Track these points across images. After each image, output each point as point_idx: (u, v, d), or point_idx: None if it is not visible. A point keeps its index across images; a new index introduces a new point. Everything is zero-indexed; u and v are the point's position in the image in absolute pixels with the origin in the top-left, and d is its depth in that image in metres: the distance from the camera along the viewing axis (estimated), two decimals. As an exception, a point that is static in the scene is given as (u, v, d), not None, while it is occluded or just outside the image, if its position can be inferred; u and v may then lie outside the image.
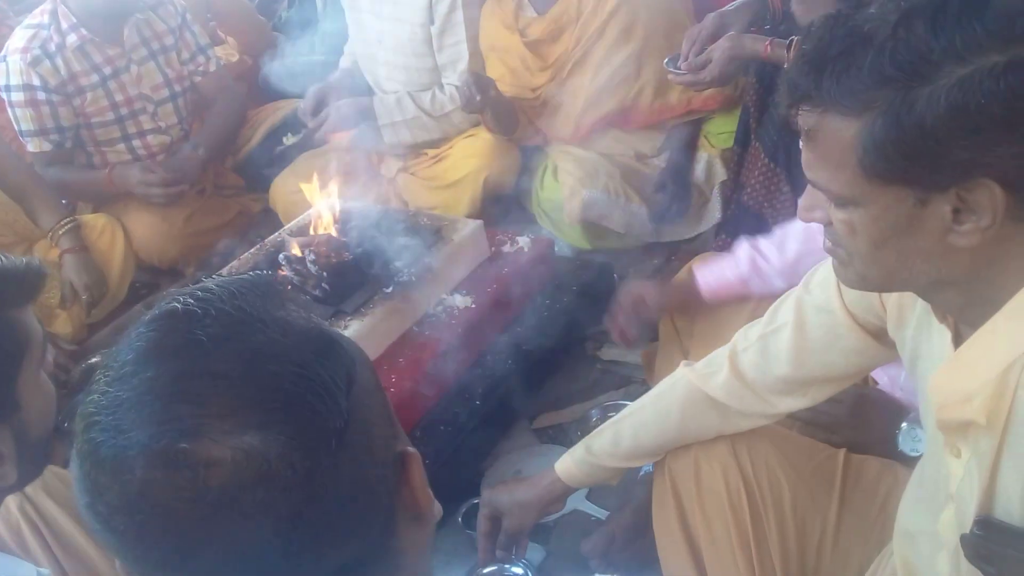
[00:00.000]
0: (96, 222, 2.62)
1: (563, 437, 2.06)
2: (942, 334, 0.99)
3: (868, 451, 1.47)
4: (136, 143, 2.76)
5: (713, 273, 1.78)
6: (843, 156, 0.84)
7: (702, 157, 2.57)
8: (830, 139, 0.85)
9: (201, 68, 2.86)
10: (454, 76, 2.67)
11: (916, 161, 0.81)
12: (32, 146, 2.61)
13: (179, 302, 0.62)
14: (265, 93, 3.14)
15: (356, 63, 2.90)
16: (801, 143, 0.91)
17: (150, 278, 2.86)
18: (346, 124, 2.70)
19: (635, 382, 2.16)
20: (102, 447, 0.57)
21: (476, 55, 2.67)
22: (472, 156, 2.64)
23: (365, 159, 2.81)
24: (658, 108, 2.56)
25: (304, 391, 0.58)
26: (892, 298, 1.12)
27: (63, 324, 2.44)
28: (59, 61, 2.56)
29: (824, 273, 1.24)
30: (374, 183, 2.79)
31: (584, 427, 2.03)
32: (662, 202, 2.53)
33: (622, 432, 1.47)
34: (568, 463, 1.52)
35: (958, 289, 0.91)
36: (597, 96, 2.56)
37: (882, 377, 1.63)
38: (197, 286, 0.64)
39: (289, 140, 2.71)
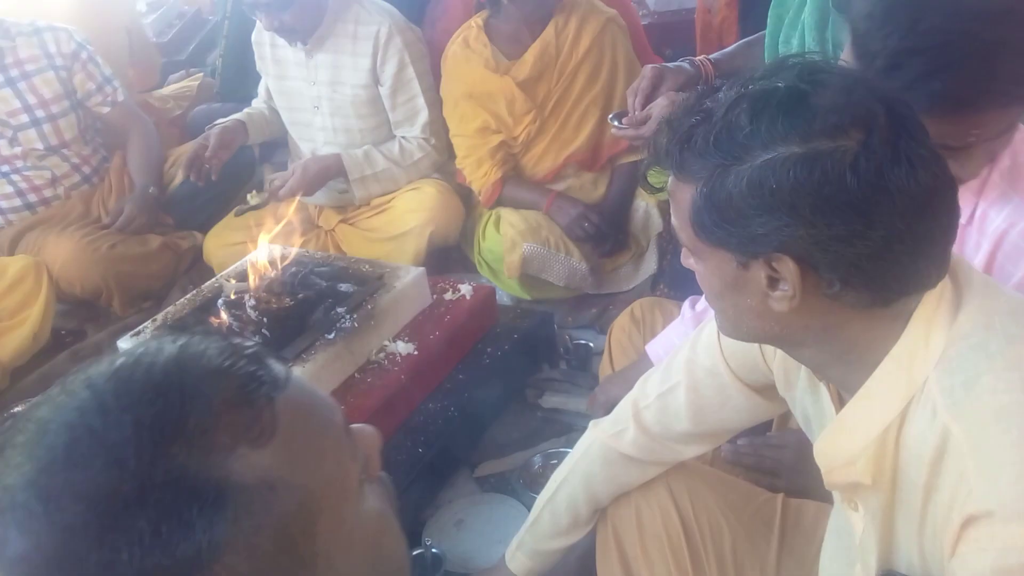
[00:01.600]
0: (10, 268, 2.56)
1: (505, 485, 2.06)
2: (826, 394, 1.05)
3: (810, 494, 1.50)
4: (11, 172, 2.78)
5: (663, 346, 1.83)
6: (684, 216, 0.93)
7: (640, 205, 2.63)
8: (676, 199, 0.95)
9: (109, 99, 2.86)
10: (413, 130, 2.71)
11: (727, 230, 0.89)
12: None
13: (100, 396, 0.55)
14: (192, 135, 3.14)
15: (270, 109, 2.92)
16: None
17: (75, 324, 2.79)
18: (314, 183, 2.67)
19: (576, 429, 2.17)
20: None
21: (435, 105, 2.70)
22: (417, 210, 2.65)
23: (303, 210, 2.80)
24: (611, 144, 2.64)
25: None
26: (777, 359, 1.18)
27: None
28: None
29: (707, 336, 1.30)
30: (312, 235, 2.78)
31: (526, 475, 2.03)
32: (597, 239, 2.58)
33: (558, 510, 1.50)
34: (521, 559, 1.56)
35: (806, 349, 0.98)
36: (574, 132, 2.62)
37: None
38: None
39: (253, 199, 2.65)
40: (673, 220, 0.98)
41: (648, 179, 1.07)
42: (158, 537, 0.50)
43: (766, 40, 2.10)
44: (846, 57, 1.20)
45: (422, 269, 2.22)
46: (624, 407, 1.43)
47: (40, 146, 2.77)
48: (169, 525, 0.50)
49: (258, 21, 2.64)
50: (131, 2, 3.50)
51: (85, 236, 2.73)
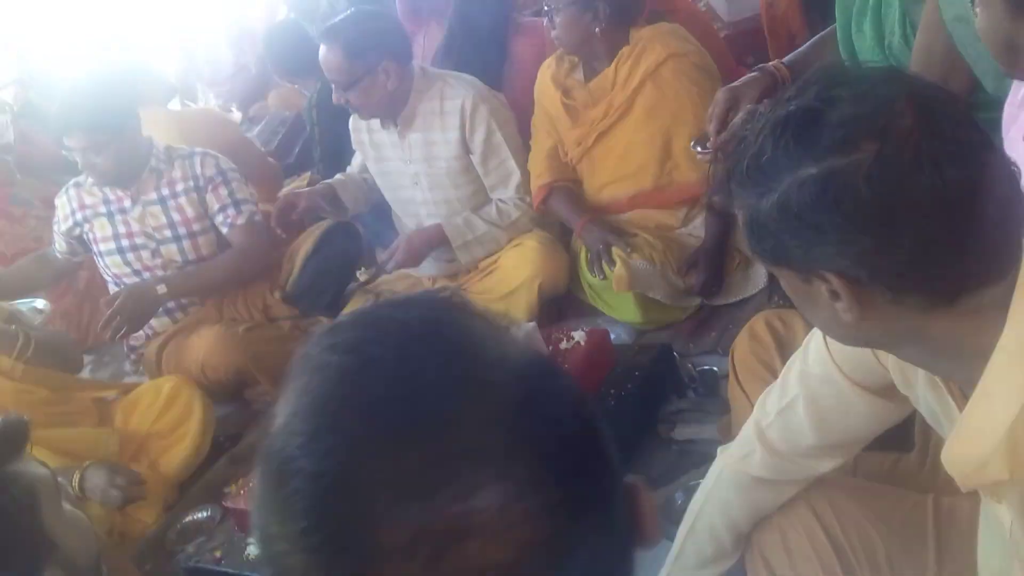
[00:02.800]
0: (163, 387, 2.69)
1: (651, 526, 2.03)
2: (946, 392, 1.01)
3: None
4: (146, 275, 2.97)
5: None
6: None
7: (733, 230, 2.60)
8: (739, 223, 0.96)
9: (228, 220, 3.01)
10: (508, 191, 2.79)
11: (774, 252, 0.91)
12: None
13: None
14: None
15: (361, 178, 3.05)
16: None
17: (232, 429, 2.94)
18: (418, 254, 2.80)
19: (715, 457, 2.13)
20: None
21: (523, 166, 2.78)
22: (523, 265, 2.71)
23: (419, 284, 2.90)
24: (695, 183, 2.60)
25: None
26: (891, 358, 1.13)
27: (144, 513, 2.43)
28: (81, 192, 2.94)
29: (816, 344, 1.27)
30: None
31: (671, 511, 2.00)
32: (697, 280, 2.58)
33: (700, 540, 1.47)
34: None
35: (911, 349, 0.96)
36: (622, 171, 2.64)
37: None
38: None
39: (363, 275, 2.82)
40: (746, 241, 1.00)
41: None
42: None
43: (838, 33, 2.06)
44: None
45: (533, 324, 2.26)
46: (748, 429, 1.40)
47: (179, 259, 2.96)
48: None
49: None
50: (231, 122, 3.72)
51: (222, 327, 2.90)
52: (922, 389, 1.10)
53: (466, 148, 2.75)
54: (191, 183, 2.96)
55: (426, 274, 2.95)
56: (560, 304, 2.79)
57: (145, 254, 2.95)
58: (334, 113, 3.07)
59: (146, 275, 2.96)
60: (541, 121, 2.78)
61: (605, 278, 2.58)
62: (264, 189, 3.62)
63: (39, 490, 1.05)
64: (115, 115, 2.77)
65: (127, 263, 2.95)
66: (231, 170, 3.03)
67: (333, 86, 2.70)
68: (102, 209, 2.92)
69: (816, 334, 1.28)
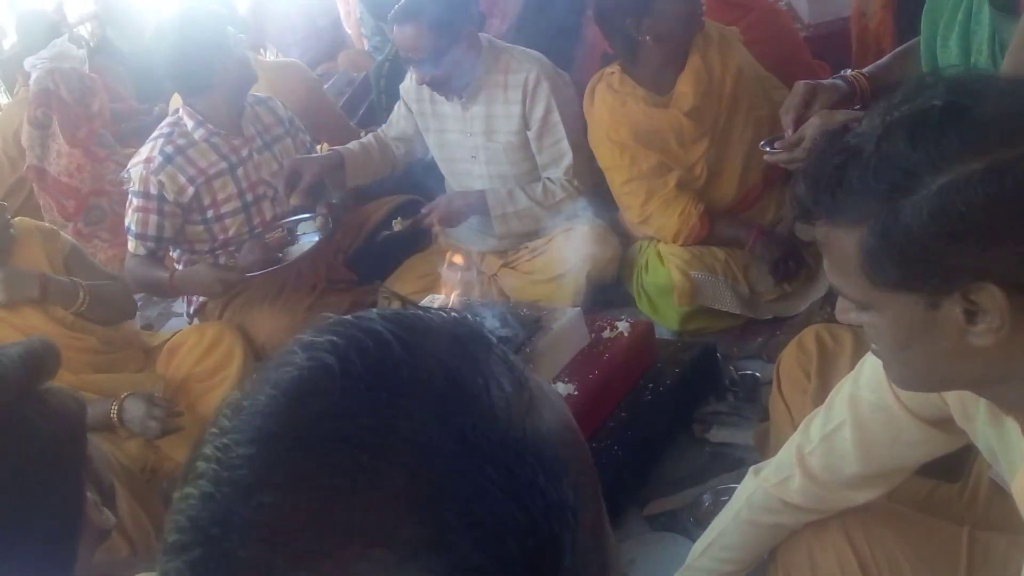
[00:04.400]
0: (208, 332, 2.70)
1: (676, 524, 2.02)
2: (1013, 426, 0.96)
3: None
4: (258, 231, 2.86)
5: None
6: (849, 265, 0.87)
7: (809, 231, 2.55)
8: (836, 250, 0.89)
9: None
10: (558, 172, 2.75)
11: (912, 269, 0.83)
12: (130, 245, 2.79)
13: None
14: (365, 192, 3.28)
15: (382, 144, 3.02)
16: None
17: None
18: (457, 215, 2.80)
19: (747, 463, 2.10)
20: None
21: (581, 148, 2.74)
22: (573, 250, 2.68)
23: (467, 257, 2.89)
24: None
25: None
26: (951, 392, 1.09)
27: (177, 452, 2.42)
28: (188, 156, 2.72)
29: (871, 370, 1.22)
30: (476, 280, 2.87)
31: (697, 512, 1.99)
32: (777, 275, 2.52)
33: (718, 556, 1.45)
34: None
35: (1008, 385, 0.90)
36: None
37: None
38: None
39: (398, 225, 2.79)
40: (831, 276, 0.93)
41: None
42: None
43: (922, 47, 2.00)
44: None
45: (578, 310, 2.24)
46: (787, 452, 1.36)
47: (290, 208, 2.89)
48: None
49: (410, 77, 2.78)
50: (314, 78, 3.71)
51: (284, 304, 2.85)
52: (981, 424, 1.06)
53: (525, 123, 2.73)
54: (281, 128, 2.93)
55: (475, 248, 2.95)
56: (608, 293, 2.77)
57: (266, 205, 2.87)
58: (401, 81, 3.06)
59: (257, 232, 2.83)
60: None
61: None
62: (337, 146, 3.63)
63: (75, 407, 1.07)
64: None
65: (248, 220, 2.84)
66: (291, 114, 3.03)
67: (415, 66, 2.67)
68: (223, 166, 2.76)
69: (871, 358, 1.24)
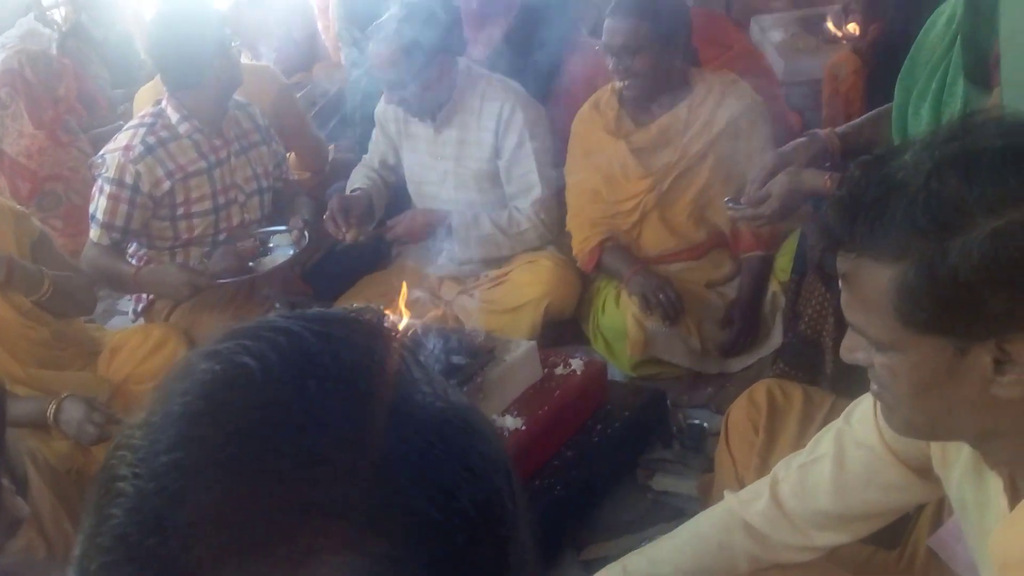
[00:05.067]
0: (153, 332, 2.62)
1: (611, 570, 1.99)
2: (995, 482, 0.94)
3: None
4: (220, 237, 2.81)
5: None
6: (879, 301, 0.84)
7: (767, 292, 2.57)
8: (866, 284, 0.86)
9: (284, 175, 2.98)
10: (525, 202, 2.74)
11: (952, 311, 0.80)
12: (94, 234, 2.69)
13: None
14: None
15: (379, 173, 2.99)
16: (840, 284, 0.91)
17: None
18: (420, 231, 2.78)
19: (687, 515, 2.09)
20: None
21: (550, 182, 2.74)
22: (534, 282, 2.68)
23: (425, 280, 2.86)
24: (756, 237, 2.56)
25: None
26: None
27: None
28: (168, 150, 2.65)
29: (865, 407, 1.21)
30: (432, 305, 2.84)
31: (633, 560, 1.97)
32: (729, 336, 2.52)
33: (660, 555, 1.41)
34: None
35: (1011, 440, 0.88)
36: (695, 223, 2.59)
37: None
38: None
39: (360, 235, 2.75)
40: (850, 311, 0.90)
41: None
42: None
43: (894, 113, 2.03)
44: None
45: (533, 343, 2.22)
46: (763, 479, 1.34)
47: (257, 215, 2.86)
48: None
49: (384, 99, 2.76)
50: (286, 84, 3.66)
51: (235, 312, 2.77)
52: (960, 474, 1.04)
53: (497, 152, 2.72)
54: (259, 135, 2.89)
55: (435, 272, 2.92)
56: (564, 329, 2.75)
57: (234, 210, 2.81)
58: (377, 98, 3.04)
59: (221, 235, 2.78)
60: (586, 182, 2.65)
61: (670, 322, 2.50)
62: (303, 157, 3.59)
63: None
64: None
65: (216, 223, 2.77)
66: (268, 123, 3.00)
67: (386, 85, 2.66)
68: (202, 164, 2.70)
69: (864, 401, 1.22)
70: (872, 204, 0.83)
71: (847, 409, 1.26)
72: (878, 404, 1.00)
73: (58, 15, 5.45)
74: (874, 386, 0.96)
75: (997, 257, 0.76)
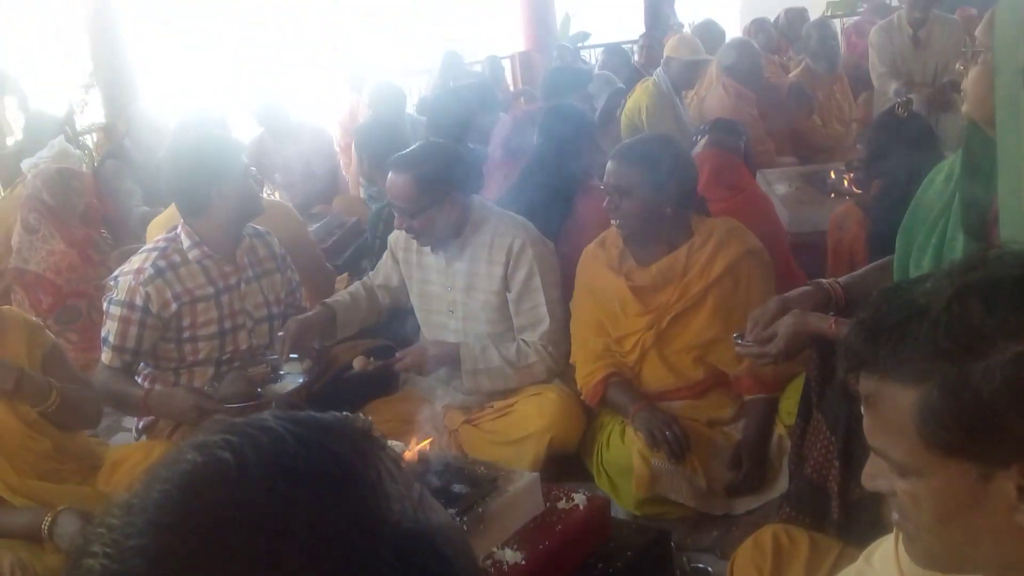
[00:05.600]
0: (151, 453, 2.57)
1: None
2: None
3: None
4: (224, 371, 2.83)
5: None
6: (902, 424, 0.85)
7: (772, 434, 2.57)
8: (888, 406, 0.87)
9: (296, 303, 3.04)
10: (534, 336, 2.79)
11: (975, 435, 0.81)
12: (105, 357, 2.73)
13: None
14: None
15: (369, 291, 3.05)
16: (862, 408, 0.93)
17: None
18: (429, 364, 2.82)
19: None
20: None
21: (559, 316, 2.79)
22: (538, 415, 2.68)
23: (431, 409, 2.87)
24: (756, 379, 2.57)
25: None
26: None
27: None
28: (178, 274, 2.72)
29: (886, 547, 1.19)
30: (437, 433, 2.83)
31: None
32: (735, 477, 2.51)
33: None
34: None
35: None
36: (694, 364, 2.62)
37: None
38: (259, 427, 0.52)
39: (359, 364, 2.79)
40: (873, 435, 0.90)
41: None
42: None
43: (895, 264, 2.08)
44: None
45: (536, 475, 2.20)
46: None
47: (266, 340, 2.90)
48: None
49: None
50: (299, 219, 3.79)
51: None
52: None
53: (506, 285, 2.79)
54: (274, 264, 2.96)
55: (440, 402, 2.93)
56: (567, 464, 2.73)
57: (242, 335, 2.85)
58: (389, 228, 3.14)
59: (226, 356, 2.81)
60: (590, 316, 2.72)
61: (676, 459, 2.48)
62: (312, 288, 3.67)
63: None
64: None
65: (221, 346, 2.81)
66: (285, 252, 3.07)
67: (397, 212, 2.77)
68: (209, 290, 2.77)
69: (885, 541, 1.19)
70: (895, 327, 0.85)
71: (867, 550, 1.24)
72: (899, 537, 0.99)
73: (90, 140, 5.70)
74: (895, 515, 0.95)
75: (1019, 381, 0.78)
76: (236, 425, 0.52)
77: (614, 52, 6.99)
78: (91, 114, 6.33)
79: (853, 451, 1.93)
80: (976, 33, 1.81)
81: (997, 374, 0.79)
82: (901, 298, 0.87)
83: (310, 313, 2.93)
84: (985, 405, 0.79)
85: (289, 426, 0.51)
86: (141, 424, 2.96)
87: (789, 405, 2.52)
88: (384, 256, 3.09)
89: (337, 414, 0.55)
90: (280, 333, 2.80)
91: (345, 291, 3.10)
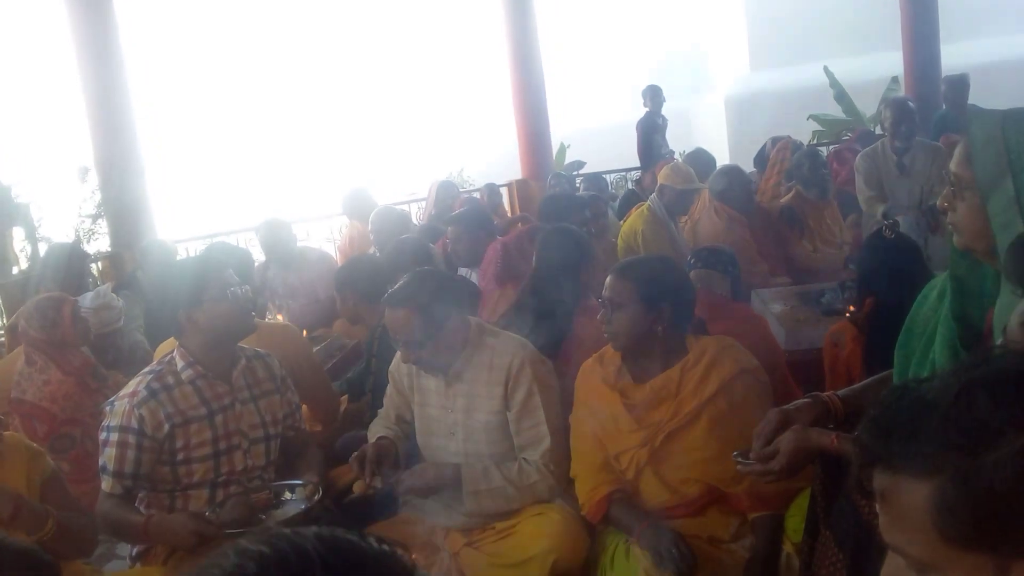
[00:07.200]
0: None
1: None
2: None
3: None
4: (219, 492, 2.81)
5: None
6: (918, 519, 0.86)
7: (781, 552, 2.52)
8: (903, 501, 0.88)
9: (296, 424, 3.04)
10: (535, 454, 2.77)
11: (990, 526, 0.82)
12: (105, 484, 2.70)
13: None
14: (337, 459, 3.27)
15: (397, 427, 3.03)
16: (877, 506, 0.93)
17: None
18: (429, 486, 2.78)
19: None
20: None
21: (559, 434, 2.78)
22: (542, 536, 2.63)
23: (431, 532, 2.83)
24: (757, 496, 2.54)
25: None
26: None
27: None
28: (172, 395, 2.73)
29: None
30: (437, 557, 2.79)
31: None
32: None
33: None
34: None
35: None
36: (693, 483, 2.59)
37: None
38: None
39: (359, 488, 2.81)
40: (888, 531, 0.91)
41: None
42: None
43: (895, 377, 2.11)
44: None
45: (541, 599, 2.16)
46: None
47: (262, 462, 2.89)
48: None
49: (398, 356, 2.88)
50: (306, 342, 3.84)
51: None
52: None
53: (506, 404, 2.79)
54: (272, 384, 2.97)
55: (440, 522, 2.89)
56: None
57: (237, 456, 2.84)
58: (393, 350, 3.16)
59: (221, 478, 2.80)
60: (587, 430, 2.71)
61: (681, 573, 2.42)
62: (317, 410, 3.68)
63: None
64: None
65: (216, 467, 2.80)
66: (285, 374, 3.09)
67: (403, 347, 2.79)
68: (202, 411, 2.77)
69: None
70: (906, 422, 0.87)
71: None
72: None
73: (96, 268, 5.81)
74: None
75: None
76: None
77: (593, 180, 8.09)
78: (97, 243, 6.47)
79: (863, 567, 1.90)
80: (952, 168, 1.80)
81: (1008, 464, 0.80)
82: (910, 395, 0.89)
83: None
84: (998, 495, 0.81)
85: (324, 551, 0.53)
86: (135, 551, 2.90)
87: (795, 522, 2.48)
88: (388, 390, 3.08)
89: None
90: (354, 455, 2.78)
91: (381, 426, 3.05)
